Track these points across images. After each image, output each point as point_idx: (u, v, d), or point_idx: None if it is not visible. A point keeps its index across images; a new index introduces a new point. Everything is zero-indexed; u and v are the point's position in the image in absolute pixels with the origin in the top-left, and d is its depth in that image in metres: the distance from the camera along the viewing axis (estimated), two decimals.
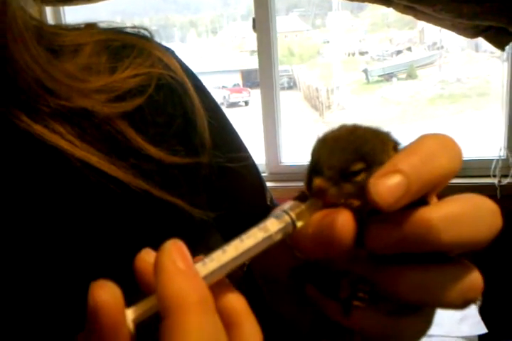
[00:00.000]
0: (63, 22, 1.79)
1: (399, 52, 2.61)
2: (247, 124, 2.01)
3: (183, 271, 0.22)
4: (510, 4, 1.37)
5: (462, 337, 1.21)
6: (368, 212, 0.25)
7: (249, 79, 2.59)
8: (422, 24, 2.46)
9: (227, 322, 0.23)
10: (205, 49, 2.67)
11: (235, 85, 2.59)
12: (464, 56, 2.50)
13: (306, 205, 0.26)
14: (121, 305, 0.22)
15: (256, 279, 0.35)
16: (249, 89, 2.54)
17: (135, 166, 0.35)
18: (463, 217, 0.24)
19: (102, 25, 0.42)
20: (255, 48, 1.71)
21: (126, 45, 0.40)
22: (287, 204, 0.26)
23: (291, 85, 2.55)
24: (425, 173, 0.23)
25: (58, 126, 0.34)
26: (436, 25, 1.55)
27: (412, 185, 0.23)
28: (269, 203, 0.49)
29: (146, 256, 0.25)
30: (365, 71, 2.57)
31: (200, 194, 0.41)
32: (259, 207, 0.48)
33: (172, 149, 0.38)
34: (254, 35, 1.72)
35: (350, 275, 0.27)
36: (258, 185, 0.48)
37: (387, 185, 0.23)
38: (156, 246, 0.35)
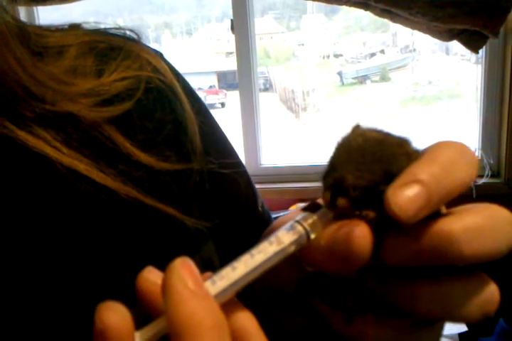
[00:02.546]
0: (36, 22, 1.75)
1: (372, 55, 2.65)
2: (223, 126, 2.00)
3: (194, 292, 0.21)
4: (485, 8, 1.41)
5: (443, 336, 1.23)
6: (383, 224, 0.24)
7: (225, 80, 2.58)
8: (394, 27, 2.50)
9: None
10: (180, 50, 2.65)
11: (210, 87, 2.57)
12: (435, 59, 2.55)
13: (318, 216, 0.25)
14: (130, 328, 0.21)
15: (258, 292, 0.34)
16: (225, 91, 2.53)
17: (124, 173, 0.34)
18: (483, 228, 0.23)
19: (86, 26, 0.41)
20: (231, 50, 1.71)
21: (113, 47, 0.39)
22: (299, 215, 0.25)
23: (268, 87, 2.55)
24: (445, 183, 0.23)
25: (43, 132, 0.32)
26: (411, 28, 1.58)
27: (432, 195, 0.22)
28: (260, 209, 0.48)
29: (150, 275, 0.23)
30: (340, 73, 2.59)
31: (192, 202, 0.39)
32: (251, 214, 0.47)
33: (162, 155, 0.36)
34: (229, 37, 1.72)
35: (358, 287, 0.27)
36: (250, 191, 0.48)
37: (406, 195, 0.22)
38: (149, 257, 0.34)
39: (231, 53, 2.61)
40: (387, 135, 0.25)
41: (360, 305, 0.27)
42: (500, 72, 1.57)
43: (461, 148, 0.24)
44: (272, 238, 0.24)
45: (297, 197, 1.66)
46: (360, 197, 0.24)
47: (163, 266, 0.35)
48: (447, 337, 1.25)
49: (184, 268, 0.22)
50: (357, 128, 0.26)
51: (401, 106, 2.55)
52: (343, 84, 2.57)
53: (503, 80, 1.58)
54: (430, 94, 2.56)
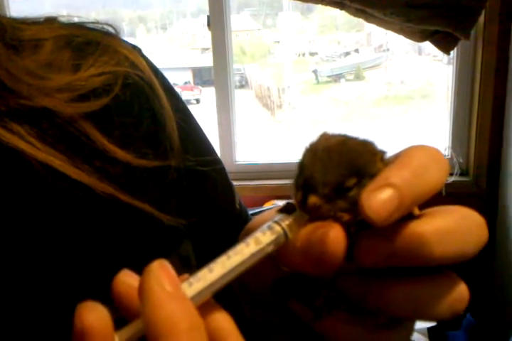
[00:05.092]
0: (8, 15, 1.71)
1: (347, 53, 2.67)
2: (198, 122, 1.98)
3: (171, 294, 0.21)
4: (457, 10, 1.44)
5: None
6: (357, 226, 0.24)
7: (200, 77, 2.57)
8: (369, 27, 2.53)
9: None
10: (155, 45, 2.62)
11: (185, 83, 2.56)
12: (408, 59, 2.59)
13: (294, 217, 0.25)
14: (110, 328, 0.21)
15: (234, 292, 0.34)
16: (200, 87, 2.52)
17: (100, 169, 0.34)
18: (454, 229, 0.24)
19: (62, 19, 0.40)
20: (206, 46, 1.70)
21: (91, 42, 0.38)
22: (276, 216, 0.25)
23: (243, 84, 2.55)
24: (417, 186, 0.23)
25: (18, 127, 0.32)
26: (385, 28, 1.61)
27: (404, 198, 0.23)
28: (238, 206, 0.48)
29: (126, 278, 0.23)
30: (315, 71, 2.61)
31: (170, 199, 0.39)
32: (229, 211, 0.47)
33: (140, 152, 0.36)
34: (205, 33, 1.71)
35: (329, 287, 0.27)
36: (228, 189, 0.48)
37: (379, 199, 0.22)
38: (127, 255, 0.34)
39: (207, 49, 2.59)
40: (352, 137, 0.26)
41: (329, 305, 0.27)
42: (470, 73, 1.61)
43: (432, 152, 0.25)
44: (249, 239, 0.24)
45: (272, 194, 1.67)
46: (330, 193, 0.24)
47: (140, 264, 0.35)
48: (416, 331, 1.28)
49: (161, 270, 0.22)
50: (323, 134, 0.27)
51: (375, 105, 2.58)
52: (318, 82, 2.59)
53: (473, 81, 1.61)
54: (403, 93, 2.60)
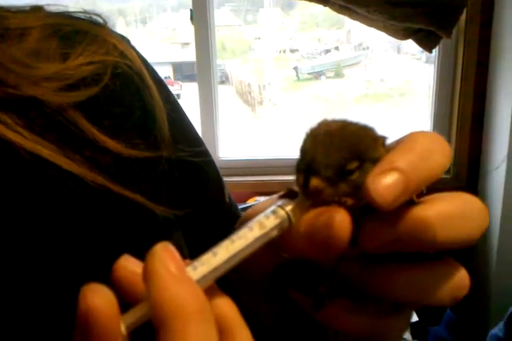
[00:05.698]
0: None
1: (327, 51, 2.68)
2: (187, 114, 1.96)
3: (177, 277, 0.21)
4: (439, 9, 1.46)
5: None
6: (360, 210, 0.24)
7: (180, 72, 2.54)
8: (349, 25, 2.55)
9: (219, 330, 0.22)
10: (134, 39, 2.59)
11: (166, 78, 2.53)
12: (387, 57, 2.62)
13: (297, 202, 0.25)
14: (116, 311, 0.20)
15: (231, 279, 0.34)
16: (180, 83, 2.50)
17: (90, 159, 0.33)
18: (456, 214, 0.24)
19: (49, 8, 0.39)
20: (187, 40, 1.68)
21: (79, 31, 0.38)
22: (278, 202, 0.25)
23: (224, 80, 2.54)
24: (422, 170, 0.23)
25: (4, 116, 0.31)
26: (369, 25, 1.62)
27: (410, 182, 0.23)
28: (227, 199, 0.48)
29: (127, 263, 0.23)
30: (296, 68, 2.61)
31: (161, 190, 0.39)
32: (219, 204, 0.47)
33: (130, 142, 0.36)
34: (186, 27, 1.69)
35: (331, 274, 0.27)
36: (218, 181, 0.48)
37: (385, 183, 0.22)
38: (118, 246, 0.33)
39: (187, 44, 2.57)
40: (352, 122, 0.26)
41: (331, 292, 0.27)
42: (451, 72, 1.63)
43: (435, 137, 0.25)
44: (253, 223, 0.24)
45: (255, 190, 1.67)
46: (332, 176, 0.24)
47: (132, 255, 0.35)
48: None
49: (166, 252, 0.21)
50: (323, 120, 0.27)
51: (354, 103, 2.60)
52: (298, 79, 2.60)
53: (454, 79, 1.64)
54: (382, 91, 2.62)
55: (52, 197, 0.32)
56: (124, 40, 0.41)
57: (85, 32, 0.38)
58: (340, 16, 2.25)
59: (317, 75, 2.64)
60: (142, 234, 0.36)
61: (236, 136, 2.18)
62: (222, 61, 2.52)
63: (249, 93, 2.51)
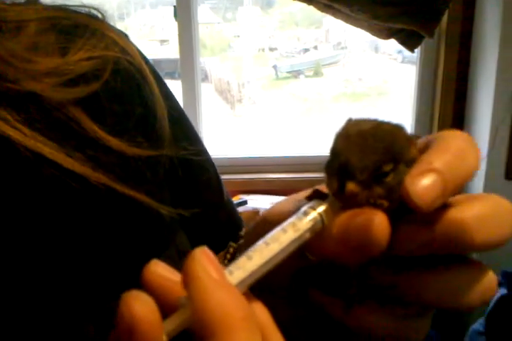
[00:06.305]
0: None
1: (306, 50, 2.69)
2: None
3: (219, 282, 0.20)
4: (422, 9, 1.48)
5: None
6: (394, 212, 0.24)
7: (159, 69, 2.51)
8: (327, 24, 2.56)
9: None
10: None
11: None
12: (365, 57, 2.65)
13: (328, 204, 0.24)
14: (159, 319, 0.19)
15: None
16: None
17: (93, 158, 0.32)
18: (491, 216, 0.24)
19: (44, 1, 0.38)
20: (165, 38, 1.66)
21: (78, 25, 0.36)
22: (309, 203, 0.24)
23: (203, 77, 2.52)
24: (459, 171, 0.23)
25: (3, 112, 0.30)
26: (352, 25, 1.63)
27: (447, 183, 0.23)
28: (226, 198, 0.48)
29: (157, 268, 0.22)
30: (275, 67, 2.62)
31: (164, 189, 0.38)
32: (219, 203, 0.47)
33: (134, 140, 0.35)
34: (164, 24, 1.67)
35: (361, 276, 0.27)
36: (218, 180, 0.47)
37: (424, 184, 0.22)
38: (123, 247, 0.33)
39: (166, 41, 2.54)
40: (384, 122, 0.25)
41: (361, 294, 0.27)
42: (433, 72, 1.66)
43: (467, 137, 0.25)
44: (286, 225, 0.23)
45: (238, 188, 1.66)
46: (368, 180, 0.23)
47: (137, 256, 0.34)
48: None
49: (205, 256, 0.21)
50: (349, 119, 0.26)
51: (333, 101, 2.62)
52: (277, 77, 2.60)
53: (435, 79, 1.66)
54: (360, 90, 2.65)
55: (53, 196, 0.31)
56: (123, 35, 0.40)
57: (85, 26, 0.36)
58: (319, 15, 2.27)
59: (296, 74, 2.65)
60: (147, 234, 0.35)
61: (216, 134, 2.16)
62: (202, 58, 2.51)
63: (229, 91, 2.50)
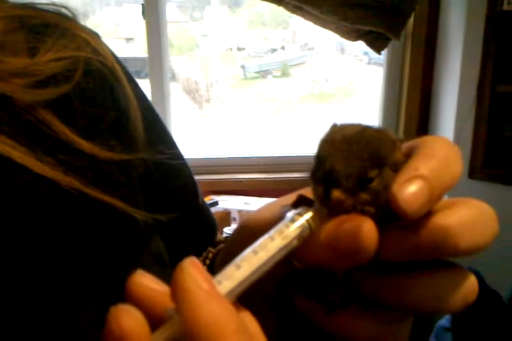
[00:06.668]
0: None
1: (274, 50, 2.70)
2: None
3: (211, 294, 0.20)
4: (390, 12, 1.50)
5: None
6: (379, 218, 0.24)
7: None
8: (294, 25, 2.58)
9: None
10: None
11: None
12: (331, 58, 2.68)
13: (315, 210, 0.24)
14: (147, 332, 0.19)
15: None
16: None
17: (64, 162, 0.31)
18: (475, 222, 0.24)
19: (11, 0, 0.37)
20: (131, 36, 1.63)
21: (48, 24, 0.35)
22: (295, 210, 0.24)
23: (171, 77, 2.50)
24: (444, 177, 0.23)
25: None
26: (321, 26, 1.64)
27: (434, 189, 0.23)
28: (201, 202, 0.47)
29: (142, 279, 0.22)
30: (243, 67, 2.62)
31: (138, 194, 0.37)
32: (195, 207, 0.46)
33: (106, 144, 0.34)
34: (130, 22, 1.65)
35: (344, 282, 0.27)
36: (194, 184, 0.47)
37: (411, 191, 0.22)
38: (97, 253, 0.32)
39: (131, 39, 2.50)
40: (367, 126, 0.25)
41: (344, 299, 0.27)
42: (399, 73, 1.69)
43: (450, 143, 0.25)
44: (273, 232, 0.23)
45: (209, 189, 1.65)
46: (353, 186, 0.23)
47: (112, 262, 0.33)
48: None
49: (195, 268, 0.20)
50: (334, 125, 0.26)
51: (301, 102, 2.64)
52: (246, 77, 2.60)
53: (401, 79, 1.70)
54: (327, 91, 2.68)
55: (23, 202, 0.30)
56: (95, 35, 0.39)
57: (55, 25, 0.35)
58: (286, 16, 2.28)
59: (264, 74, 2.66)
60: (122, 239, 0.34)
61: (184, 135, 2.15)
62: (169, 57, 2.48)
63: (197, 91, 2.49)
